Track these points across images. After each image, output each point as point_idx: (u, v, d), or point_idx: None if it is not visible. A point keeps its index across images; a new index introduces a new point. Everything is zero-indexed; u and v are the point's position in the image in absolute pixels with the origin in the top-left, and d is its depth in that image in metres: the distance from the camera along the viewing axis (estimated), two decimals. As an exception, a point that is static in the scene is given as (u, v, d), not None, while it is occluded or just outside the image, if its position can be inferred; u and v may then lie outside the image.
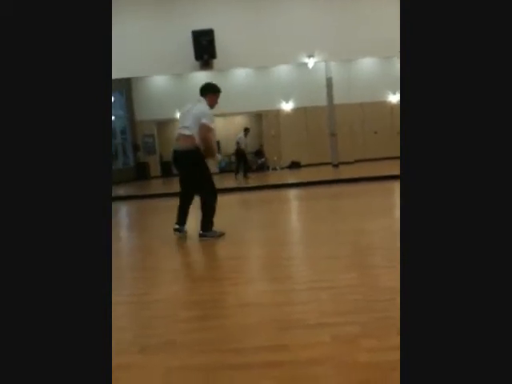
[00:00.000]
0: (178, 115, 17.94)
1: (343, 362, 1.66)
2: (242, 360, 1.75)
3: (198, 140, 4.15)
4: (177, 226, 4.44)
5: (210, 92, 4.35)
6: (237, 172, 12.87)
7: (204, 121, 4.12)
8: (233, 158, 15.78)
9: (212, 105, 4.37)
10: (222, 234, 4.30)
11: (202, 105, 4.25)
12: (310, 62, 10.33)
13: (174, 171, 17.11)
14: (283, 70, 15.44)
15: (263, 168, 15.82)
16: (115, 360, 1.85)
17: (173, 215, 4.45)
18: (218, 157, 4.65)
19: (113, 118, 15.41)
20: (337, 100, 13.13)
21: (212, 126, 4.22)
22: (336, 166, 13.05)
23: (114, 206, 9.36)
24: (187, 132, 4.15)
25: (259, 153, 16.63)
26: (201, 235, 4.24)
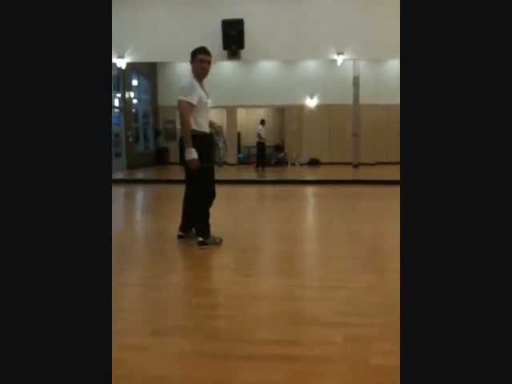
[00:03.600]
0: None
1: (355, 363, 1.64)
2: (254, 351, 1.74)
3: (193, 123, 3.40)
4: (180, 233, 3.77)
5: (193, 57, 3.51)
6: (257, 164, 12.86)
7: (180, 97, 3.38)
8: (252, 151, 15.80)
9: (199, 74, 3.50)
10: (221, 241, 3.58)
11: (184, 80, 3.57)
12: (339, 59, 10.20)
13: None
14: (310, 66, 15.29)
15: (281, 163, 15.76)
16: (127, 340, 1.87)
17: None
18: (190, 154, 3.38)
19: (136, 101, 15.54)
20: (362, 100, 12.96)
21: (193, 101, 3.37)
22: (356, 166, 12.92)
23: (132, 188, 9.46)
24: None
25: (279, 147, 16.58)
26: (200, 243, 3.48)
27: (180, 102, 3.40)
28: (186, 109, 3.38)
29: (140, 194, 8.73)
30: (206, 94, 3.61)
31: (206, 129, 3.61)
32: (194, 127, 3.44)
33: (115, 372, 1.59)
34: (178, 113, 3.48)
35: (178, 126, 3.54)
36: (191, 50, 3.62)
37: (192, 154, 3.38)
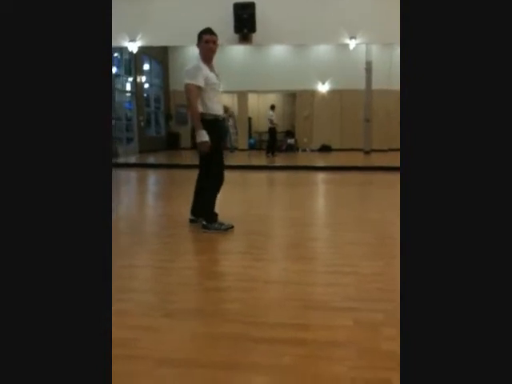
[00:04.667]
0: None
1: (365, 348, 1.66)
2: (265, 334, 1.77)
3: (202, 107, 3.36)
4: (192, 217, 3.75)
5: (199, 39, 3.48)
6: (268, 150, 12.85)
7: (186, 81, 3.33)
8: (264, 136, 15.73)
9: (206, 55, 3.44)
10: (229, 228, 3.54)
11: (190, 63, 3.49)
12: (352, 44, 10.04)
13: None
14: (322, 50, 15.09)
15: (292, 149, 15.71)
16: (139, 321, 1.91)
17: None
18: (202, 137, 3.34)
19: (147, 85, 15.52)
20: (375, 85, 12.80)
21: (199, 83, 3.31)
22: (368, 152, 12.83)
23: (144, 172, 9.52)
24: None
25: (289, 133, 16.49)
26: (203, 226, 3.54)
27: (186, 86, 3.33)
28: (193, 92, 3.32)
29: (152, 178, 8.79)
30: (216, 75, 3.54)
31: (218, 111, 3.53)
32: (203, 110, 3.38)
33: (127, 352, 1.63)
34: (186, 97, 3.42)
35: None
36: None
37: (202, 136, 3.34)
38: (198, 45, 3.49)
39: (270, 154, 12.63)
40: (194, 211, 3.80)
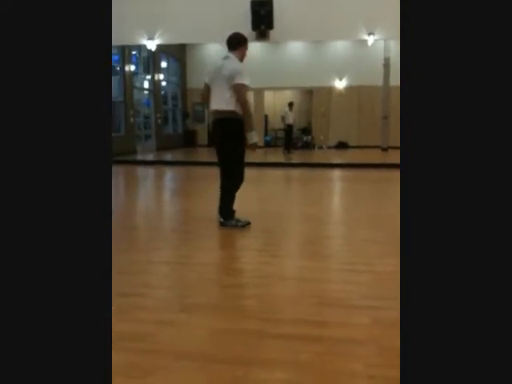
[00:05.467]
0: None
1: (383, 345, 1.65)
2: (282, 331, 1.77)
3: (235, 106, 3.43)
4: (221, 220, 3.63)
5: (241, 44, 3.57)
6: (286, 148, 12.83)
7: (238, 80, 3.37)
8: (279, 133, 15.68)
9: (243, 59, 3.61)
10: (246, 224, 3.58)
11: (232, 62, 3.46)
12: (370, 40, 9.92)
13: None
14: (340, 46, 14.96)
15: (309, 146, 15.62)
16: (157, 316, 1.93)
17: (216, 183, 3.85)
18: (254, 137, 3.55)
19: (165, 83, 15.64)
20: (393, 81, 12.61)
21: (248, 84, 3.45)
22: (385, 149, 12.68)
23: (161, 169, 9.61)
24: (223, 100, 3.45)
25: (306, 130, 16.40)
26: (221, 223, 3.61)
27: (239, 86, 3.39)
28: (246, 92, 3.46)
29: (169, 175, 8.87)
30: None
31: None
32: (237, 111, 3.45)
33: (145, 346, 1.66)
34: (224, 96, 3.43)
35: (222, 107, 3.47)
36: (227, 32, 3.70)
37: (255, 137, 3.54)
38: (240, 48, 3.59)
39: (286, 152, 12.60)
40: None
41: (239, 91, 3.39)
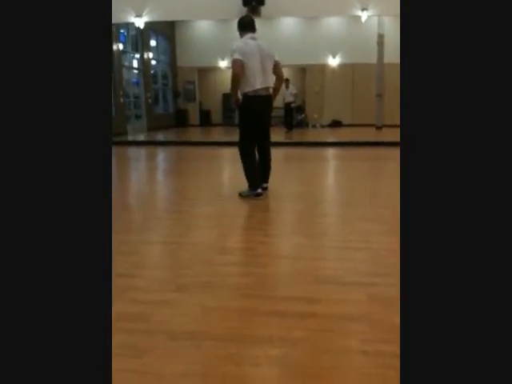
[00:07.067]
0: (220, 63, 17.40)
1: (379, 321, 1.65)
2: (277, 308, 1.77)
3: (275, 83, 3.95)
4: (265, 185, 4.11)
5: (252, 27, 3.95)
6: (286, 126, 12.89)
7: (278, 58, 3.89)
8: (278, 112, 15.55)
9: None
10: (256, 195, 3.91)
11: (263, 42, 3.86)
12: (363, 15, 9.75)
13: (216, 120, 16.88)
14: (333, 23, 14.72)
15: (302, 125, 15.51)
16: (152, 296, 1.92)
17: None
18: None
19: (154, 62, 15.35)
20: (387, 59, 12.48)
21: None
22: (379, 128, 12.64)
23: (153, 150, 9.51)
24: (272, 78, 3.88)
25: (299, 109, 16.26)
26: (239, 194, 4.04)
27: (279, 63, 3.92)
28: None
29: (161, 155, 8.78)
30: None
31: None
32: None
33: (141, 326, 1.65)
34: (271, 73, 3.87)
35: (271, 84, 3.90)
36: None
37: None
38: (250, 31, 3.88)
39: (287, 130, 12.70)
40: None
41: (281, 68, 3.94)
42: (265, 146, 4.08)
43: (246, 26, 3.85)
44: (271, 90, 3.92)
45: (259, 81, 3.75)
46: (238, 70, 3.68)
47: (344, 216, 3.46)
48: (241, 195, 3.97)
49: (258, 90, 3.77)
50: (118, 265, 2.29)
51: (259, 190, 3.93)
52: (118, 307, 1.78)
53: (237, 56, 3.68)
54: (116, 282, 2.04)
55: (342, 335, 1.57)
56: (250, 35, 3.81)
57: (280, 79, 3.96)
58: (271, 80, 3.89)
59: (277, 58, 3.87)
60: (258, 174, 3.98)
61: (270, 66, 3.81)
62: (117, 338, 1.54)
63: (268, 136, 4.10)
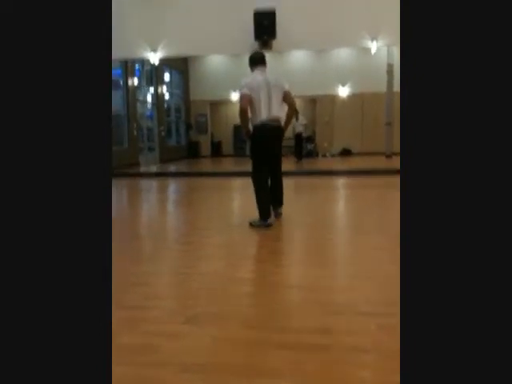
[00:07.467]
0: (232, 96, 17.69)
1: (390, 352, 1.61)
2: (287, 340, 1.74)
3: (287, 112, 4.12)
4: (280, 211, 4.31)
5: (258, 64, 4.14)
6: (295, 156, 13.07)
7: (288, 87, 4.04)
8: (289, 143, 15.71)
9: None
10: (266, 225, 3.94)
11: (272, 74, 4.04)
12: (373, 47, 9.94)
13: (227, 151, 17.08)
14: (342, 54, 15.02)
15: (312, 154, 15.60)
16: (161, 328, 1.91)
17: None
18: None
19: (168, 96, 15.74)
20: (397, 88, 12.62)
21: None
22: (389, 156, 12.64)
23: (165, 181, 9.62)
24: (281, 108, 4.04)
25: (309, 139, 16.40)
26: (280, 214, 4.30)
27: (290, 93, 4.06)
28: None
29: (172, 186, 8.88)
30: None
31: None
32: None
33: (150, 358, 1.63)
34: (280, 104, 4.02)
35: (280, 114, 4.04)
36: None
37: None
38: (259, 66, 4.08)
39: (297, 160, 12.86)
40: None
41: (291, 96, 4.08)
42: (277, 175, 4.20)
43: (255, 61, 4.06)
44: (282, 121, 4.04)
45: (266, 113, 3.93)
46: (244, 104, 3.90)
47: (354, 245, 3.43)
48: (251, 225, 4.00)
49: (265, 121, 3.93)
50: (128, 296, 2.29)
51: (269, 221, 3.97)
52: (127, 339, 1.78)
53: (244, 91, 3.92)
54: (125, 313, 2.04)
55: (354, 367, 1.53)
56: (259, 70, 4.00)
57: (291, 108, 4.13)
58: (281, 111, 4.01)
59: (286, 88, 4.00)
60: (269, 205, 4.04)
61: (278, 98, 3.95)
62: (126, 371, 1.52)
63: (279, 164, 4.21)
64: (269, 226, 3.94)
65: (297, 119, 12.70)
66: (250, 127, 4.05)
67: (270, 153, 4.09)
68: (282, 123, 4.05)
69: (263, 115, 3.92)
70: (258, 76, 3.96)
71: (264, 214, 3.96)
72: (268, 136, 3.98)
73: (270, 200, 4.07)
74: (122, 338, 1.80)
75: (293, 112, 4.18)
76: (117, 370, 1.53)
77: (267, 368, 1.54)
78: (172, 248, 3.49)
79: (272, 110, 3.94)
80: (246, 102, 3.90)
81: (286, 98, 4.02)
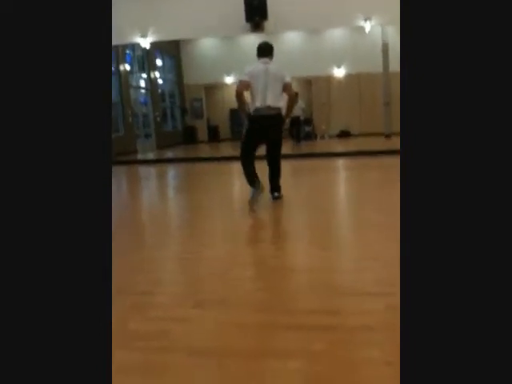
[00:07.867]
0: (226, 79, 17.57)
1: (398, 331, 1.62)
2: (295, 321, 1.75)
3: (285, 102, 4.22)
4: (277, 194, 4.36)
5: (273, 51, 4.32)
6: (294, 139, 13.03)
7: (289, 79, 4.17)
8: (286, 125, 15.65)
9: None
10: (257, 192, 4.07)
11: (275, 65, 4.20)
12: (367, 26, 9.81)
13: (224, 135, 17.00)
14: (336, 34, 14.82)
15: (310, 136, 15.51)
16: (170, 313, 1.92)
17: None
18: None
19: (161, 81, 15.56)
20: (393, 67, 12.47)
21: None
22: (388, 136, 12.59)
23: (162, 167, 9.59)
24: (277, 98, 4.11)
25: (307, 121, 16.29)
26: (278, 197, 4.37)
27: (290, 84, 4.21)
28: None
29: (171, 173, 8.85)
30: None
31: None
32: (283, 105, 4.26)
33: (160, 344, 1.64)
34: (277, 94, 4.11)
35: (276, 104, 4.11)
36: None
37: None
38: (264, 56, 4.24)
39: (295, 143, 12.81)
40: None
41: (292, 89, 4.28)
42: (275, 160, 4.29)
43: (259, 51, 4.25)
44: (279, 110, 4.14)
45: (260, 101, 4.05)
46: (239, 88, 4.07)
47: (357, 225, 3.44)
48: (249, 201, 4.02)
49: (259, 108, 4.06)
50: (136, 282, 2.30)
51: (257, 186, 4.06)
52: (137, 325, 1.79)
53: (244, 78, 4.11)
54: (135, 299, 2.05)
55: (362, 347, 1.55)
56: (263, 60, 4.18)
57: (291, 99, 4.33)
58: (278, 101, 4.13)
59: (287, 80, 4.15)
60: (252, 170, 4.16)
61: (276, 88, 4.07)
62: (137, 357, 1.54)
63: (277, 151, 4.29)
64: (257, 189, 4.00)
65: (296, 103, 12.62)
66: (249, 110, 4.15)
67: (265, 139, 4.22)
68: (283, 112, 4.17)
69: (257, 103, 4.06)
70: (260, 65, 4.14)
71: (251, 182, 4.07)
72: (259, 124, 4.09)
73: (253, 167, 4.18)
74: (131, 323, 1.81)
75: (292, 103, 4.38)
76: (127, 356, 1.54)
77: (276, 349, 1.56)
78: (175, 233, 3.50)
79: (267, 98, 4.04)
80: (242, 86, 4.06)
81: (286, 89, 4.15)
